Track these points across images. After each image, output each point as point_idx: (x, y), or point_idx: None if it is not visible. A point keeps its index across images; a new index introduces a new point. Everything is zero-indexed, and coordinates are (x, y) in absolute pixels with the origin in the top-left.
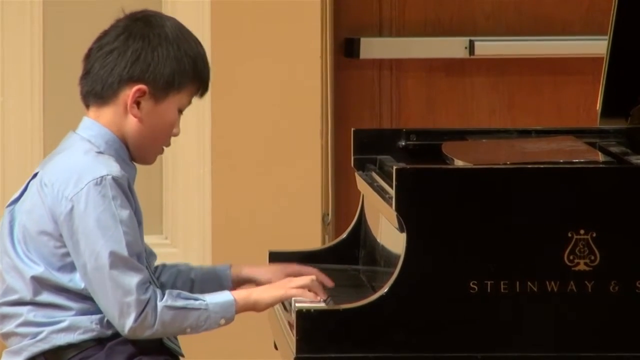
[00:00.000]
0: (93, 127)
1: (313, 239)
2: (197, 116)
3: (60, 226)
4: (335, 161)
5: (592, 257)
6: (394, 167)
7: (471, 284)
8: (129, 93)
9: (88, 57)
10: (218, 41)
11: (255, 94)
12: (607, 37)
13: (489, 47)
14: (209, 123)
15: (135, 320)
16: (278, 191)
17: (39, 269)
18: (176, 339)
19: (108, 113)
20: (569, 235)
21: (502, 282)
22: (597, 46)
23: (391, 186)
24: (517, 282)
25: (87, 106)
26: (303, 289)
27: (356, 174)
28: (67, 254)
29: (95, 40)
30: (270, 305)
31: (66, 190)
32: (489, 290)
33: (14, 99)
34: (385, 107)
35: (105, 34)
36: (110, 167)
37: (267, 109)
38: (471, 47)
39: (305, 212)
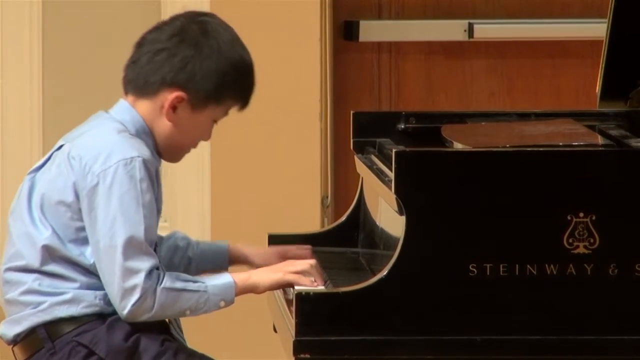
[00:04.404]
0: (128, 112)
1: (312, 222)
2: None
3: (82, 200)
4: (334, 144)
5: (592, 240)
6: (394, 150)
7: (470, 267)
8: (169, 97)
9: (140, 46)
10: None
11: (255, 76)
12: (606, 20)
13: (488, 30)
14: None
15: (135, 303)
16: (277, 174)
17: (51, 238)
18: (181, 330)
19: (144, 106)
20: (569, 218)
21: (501, 265)
22: (597, 29)
23: (390, 169)
24: (517, 265)
25: (126, 92)
26: (300, 275)
27: (355, 156)
28: (82, 229)
29: (150, 30)
30: (269, 288)
31: (94, 166)
32: (488, 273)
33: (13, 95)
34: (385, 89)
35: (161, 26)
36: (142, 150)
37: (266, 91)
38: (470, 30)
39: (304, 194)
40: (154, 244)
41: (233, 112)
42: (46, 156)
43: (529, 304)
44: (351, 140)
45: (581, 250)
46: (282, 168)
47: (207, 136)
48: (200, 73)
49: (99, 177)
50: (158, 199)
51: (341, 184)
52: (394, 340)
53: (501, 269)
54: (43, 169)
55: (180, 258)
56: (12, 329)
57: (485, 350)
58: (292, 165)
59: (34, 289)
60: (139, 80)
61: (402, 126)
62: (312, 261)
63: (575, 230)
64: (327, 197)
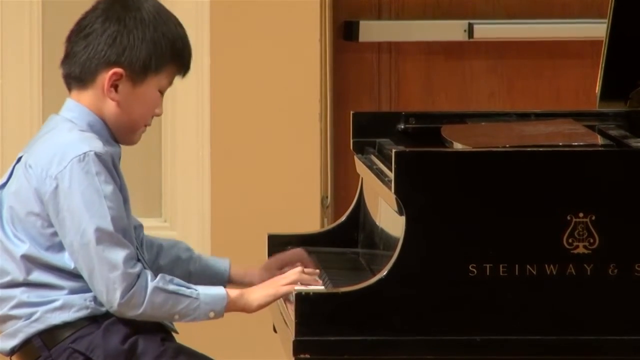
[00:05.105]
0: (75, 108)
1: (312, 222)
2: (196, 99)
3: (46, 205)
4: (334, 144)
5: (591, 240)
6: (393, 150)
7: (470, 267)
8: (106, 77)
9: (69, 39)
10: (217, 24)
11: (254, 77)
12: (606, 20)
13: (488, 30)
14: (208, 106)
15: (122, 296)
16: (277, 174)
17: (29, 249)
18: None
19: (88, 96)
20: (568, 218)
21: (501, 266)
22: (597, 29)
23: (390, 169)
24: (516, 266)
25: (69, 89)
26: (293, 285)
27: (355, 157)
28: (55, 234)
29: (76, 23)
30: (262, 306)
31: (50, 169)
32: (488, 274)
33: (13, 95)
34: (384, 90)
35: (85, 16)
36: (93, 144)
37: (266, 92)
38: (470, 30)
39: (304, 195)
40: (129, 233)
41: (233, 112)
42: (9, 171)
43: (529, 304)
44: (351, 141)
45: (581, 250)
46: (282, 168)
47: (158, 110)
48: (129, 45)
49: (57, 180)
50: (122, 188)
51: (341, 184)
52: (394, 341)
53: (501, 269)
54: (8, 184)
55: (181, 271)
56: (8, 343)
57: (485, 350)
58: (292, 166)
59: (23, 301)
60: (76, 70)
61: (402, 126)
62: (299, 268)
63: (575, 230)
64: (327, 197)
